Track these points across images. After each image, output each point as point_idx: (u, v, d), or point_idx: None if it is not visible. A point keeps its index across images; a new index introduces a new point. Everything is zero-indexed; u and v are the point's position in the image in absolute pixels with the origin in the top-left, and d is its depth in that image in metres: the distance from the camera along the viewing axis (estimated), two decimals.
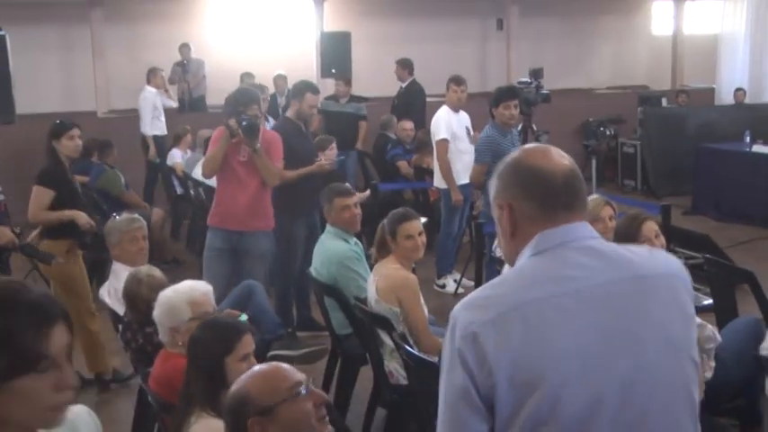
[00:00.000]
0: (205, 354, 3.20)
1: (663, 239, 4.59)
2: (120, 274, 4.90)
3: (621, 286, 1.95)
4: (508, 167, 2.07)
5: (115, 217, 5.44)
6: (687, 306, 2.05)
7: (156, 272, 4.47)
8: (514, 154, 2.12)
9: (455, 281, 8.14)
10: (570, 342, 1.86)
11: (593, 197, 5.20)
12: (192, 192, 9.24)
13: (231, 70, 12.37)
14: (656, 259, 2.08)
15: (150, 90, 11.44)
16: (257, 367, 2.58)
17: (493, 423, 1.87)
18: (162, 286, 4.22)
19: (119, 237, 5.18)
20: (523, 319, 1.86)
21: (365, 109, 11.42)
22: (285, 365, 2.55)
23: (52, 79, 13.14)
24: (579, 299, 1.91)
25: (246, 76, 11.77)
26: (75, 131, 5.93)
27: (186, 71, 12.79)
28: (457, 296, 7.92)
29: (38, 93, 12.25)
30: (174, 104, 12.41)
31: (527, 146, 2.20)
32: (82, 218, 5.77)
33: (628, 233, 4.40)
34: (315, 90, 6.86)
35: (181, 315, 3.77)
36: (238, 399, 2.45)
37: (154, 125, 11.25)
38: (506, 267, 2.43)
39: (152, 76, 11.58)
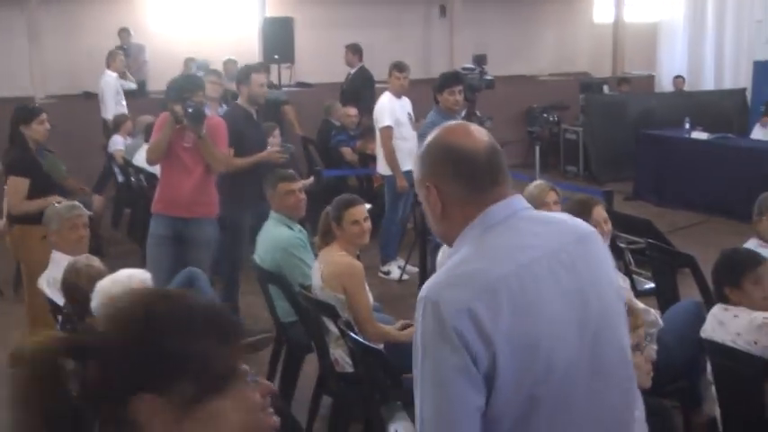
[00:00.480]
0: None
1: (610, 224, 4.68)
2: (59, 263, 4.76)
3: (574, 247, 2.10)
4: (431, 148, 2.15)
5: (55, 204, 5.29)
6: (609, 256, 2.26)
7: (95, 261, 4.35)
8: (435, 133, 2.18)
9: (399, 267, 8.12)
10: (554, 305, 1.99)
11: (538, 183, 5.24)
12: (132, 179, 9.08)
13: (173, 55, 12.22)
14: (577, 221, 2.26)
15: (111, 74, 11.23)
16: None
17: (487, 394, 1.93)
18: (101, 276, 4.12)
19: (59, 224, 5.03)
20: (509, 290, 1.95)
21: (285, 95, 11.34)
22: None
23: None
24: (548, 265, 2.02)
25: (191, 61, 11.58)
26: (44, 115, 5.84)
27: (127, 56, 12.55)
28: (401, 283, 7.91)
29: None
30: (134, 87, 12.08)
31: (446, 125, 2.24)
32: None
33: (580, 217, 4.40)
34: (258, 68, 6.84)
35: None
36: None
37: (117, 110, 11.10)
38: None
39: (111, 60, 11.34)
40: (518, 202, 2.13)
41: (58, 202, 5.28)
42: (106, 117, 11.03)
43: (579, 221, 2.24)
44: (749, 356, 3.63)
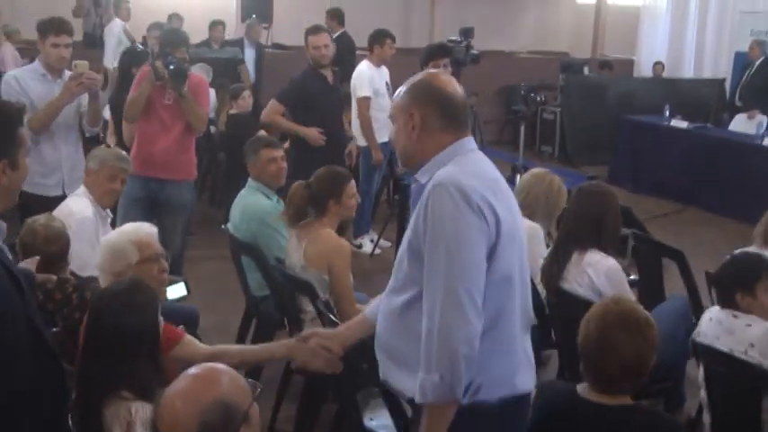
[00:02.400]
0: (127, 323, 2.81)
1: None
2: (78, 199, 4.64)
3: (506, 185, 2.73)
4: (421, 84, 2.70)
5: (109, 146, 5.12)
6: None
7: (57, 221, 4.02)
8: (423, 75, 2.76)
9: (371, 241, 7.92)
10: (510, 211, 2.61)
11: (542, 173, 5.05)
12: (100, 134, 8.76)
13: (149, 10, 11.80)
14: None
15: (117, 23, 10.85)
16: (206, 370, 2.07)
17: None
18: (60, 239, 3.88)
19: (100, 166, 4.65)
20: (500, 190, 2.60)
21: (241, 53, 11.10)
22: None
23: None
24: (506, 187, 2.68)
25: (175, 17, 11.21)
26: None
27: (98, 4, 12.12)
28: (373, 257, 7.72)
29: None
30: (135, 45, 11.60)
31: (431, 71, 2.86)
32: None
33: None
34: (312, 31, 6.87)
35: (127, 258, 3.37)
36: (222, 412, 1.96)
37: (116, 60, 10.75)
38: None
39: (118, 8, 10.93)
40: (473, 141, 2.73)
41: None
42: (106, 65, 10.62)
43: None
44: (752, 368, 3.47)
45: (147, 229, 3.55)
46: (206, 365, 2.09)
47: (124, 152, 4.99)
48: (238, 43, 11.35)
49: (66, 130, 5.37)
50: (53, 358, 2.55)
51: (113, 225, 4.88)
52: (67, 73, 5.30)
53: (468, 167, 2.59)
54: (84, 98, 5.32)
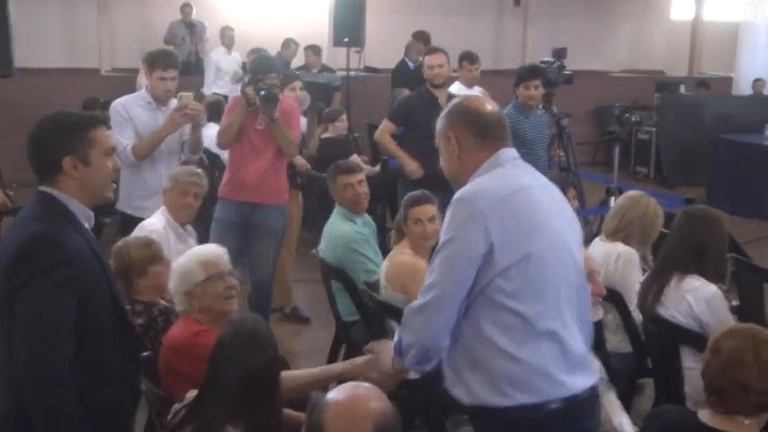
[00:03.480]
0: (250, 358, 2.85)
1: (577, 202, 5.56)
2: (158, 218, 4.86)
3: (554, 190, 2.97)
4: (454, 109, 2.91)
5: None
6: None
7: (151, 241, 4.24)
8: (458, 100, 2.99)
9: None
10: (544, 215, 2.77)
11: (642, 199, 4.93)
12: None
13: (237, 35, 12.01)
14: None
15: (218, 51, 11.24)
16: (363, 385, 2.32)
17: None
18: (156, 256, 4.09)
19: (173, 185, 4.89)
20: (525, 198, 2.76)
21: (339, 80, 11.16)
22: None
23: (54, 34, 12.63)
24: (543, 191, 2.86)
25: (292, 42, 11.69)
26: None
27: (193, 33, 12.38)
28: None
29: (39, 47, 11.87)
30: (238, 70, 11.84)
31: (466, 95, 3.23)
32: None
33: None
34: (430, 50, 7.03)
35: (194, 277, 3.51)
36: (392, 419, 2.20)
37: (216, 84, 11.20)
38: None
39: (223, 36, 11.30)
40: (513, 151, 2.90)
41: None
42: (205, 92, 10.88)
43: None
44: None
45: (214, 249, 3.68)
46: (353, 383, 2.35)
47: (196, 168, 5.14)
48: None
49: (168, 156, 5.54)
50: (129, 324, 3.00)
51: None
52: (173, 101, 5.50)
53: (486, 180, 2.79)
54: (187, 127, 5.50)
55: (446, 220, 2.74)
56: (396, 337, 2.86)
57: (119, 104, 5.53)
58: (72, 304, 2.66)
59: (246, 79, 5.81)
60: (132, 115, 5.48)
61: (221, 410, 2.78)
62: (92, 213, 2.89)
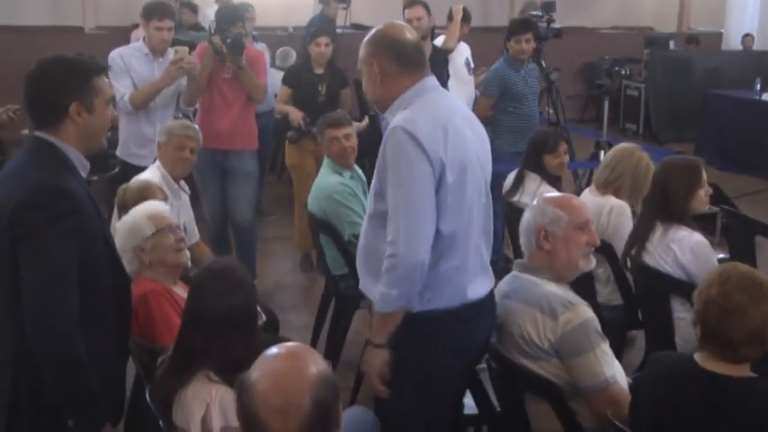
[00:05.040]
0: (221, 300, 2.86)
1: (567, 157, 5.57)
2: (153, 173, 4.78)
3: (472, 118, 3.23)
4: (376, 37, 3.07)
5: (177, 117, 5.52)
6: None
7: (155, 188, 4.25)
8: (379, 27, 3.11)
9: None
10: (466, 142, 3.03)
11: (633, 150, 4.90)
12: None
13: None
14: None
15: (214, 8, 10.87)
16: (295, 349, 2.13)
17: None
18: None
19: (167, 138, 4.85)
20: (453, 127, 2.98)
21: (201, 39, 10.86)
22: None
23: None
24: (463, 120, 3.11)
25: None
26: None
27: None
28: None
29: (20, 4, 11.67)
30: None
31: (385, 23, 3.14)
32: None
33: (546, 143, 5.46)
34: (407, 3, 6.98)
35: (143, 231, 3.53)
36: (328, 385, 2.03)
37: None
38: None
39: None
40: (434, 80, 3.12)
41: None
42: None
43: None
44: None
45: (157, 204, 3.76)
46: (287, 345, 2.13)
47: (190, 122, 5.20)
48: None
49: (163, 108, 5.72)
50: (123, 272, 3.03)
51: (194, 200, 5.03)
52: (170, 52, 5.69)
53: (422, 110, 2.98)
54: (184, 79, 5.66)
55: (388, 147, 2.93)
56: (376, 294, 2.97)
57: (116, 55, 5.67)
58: (76, 254, 2.65)
59: (212, 29, 5.91)
60: (129, 65, 5.63)
61: (197, 352, 2.81)
62: (87, 162, 2.86)
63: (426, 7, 6.82)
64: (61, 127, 2.77)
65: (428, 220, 2.90)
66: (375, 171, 3.04)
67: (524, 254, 3.36)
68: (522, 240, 3.37)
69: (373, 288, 3.01)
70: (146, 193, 4.06)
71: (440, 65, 6.80)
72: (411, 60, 3.05)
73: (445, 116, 3.00)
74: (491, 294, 3.21)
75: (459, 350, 3.11)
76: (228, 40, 5.68)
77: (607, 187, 4.81)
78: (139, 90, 5.59)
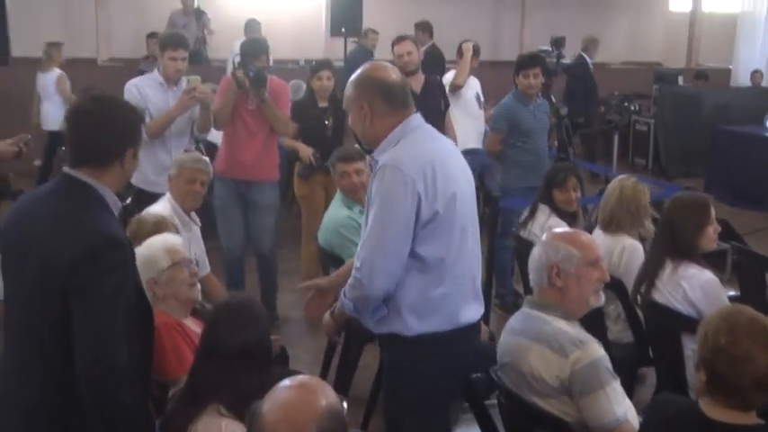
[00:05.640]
0: (237, 340, 2.86)
1: (579, 193, 5.56)
2: (164, 205, 4.81)
3: (456, 152, 3.40)
4: (363, 78, 3.25)
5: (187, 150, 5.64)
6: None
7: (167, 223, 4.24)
8: (364, 68, 3.30)
9: None
10: (453, 178, 3.17)
11: (633, 182, 4.91)
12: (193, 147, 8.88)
13: (234, 24, 11.95)
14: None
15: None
16: (307, 381, 2.19)
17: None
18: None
19: (179, 171, 4.89)
20: (440, 163, 3.13)
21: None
22: None
23: (51, 23, 12.59)
24: (448, 155, 3.26)
25: (252, 22, 11.24)
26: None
27: (199, 20, 12.32)
28: None
29: (36, 36, 11.79)
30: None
31: (370, 64, 3.36)
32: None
33: (555, 178, 5.51)
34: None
35: (159, 263, 3.52)
36: (335, 418, 2.06)
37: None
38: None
39: (247, 28, 11.03)
40: (419, 117, 3.28)
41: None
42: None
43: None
44: None
45: (173, 238, 3.78)
46: (300, 377, 2.17)
47: (202, 155, 5.25)
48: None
49: (178, 135, 5.87)
50: (152, 321, 2.96)
51: (205, 232, 5.06)
52: (184, 81, 5.80)
53: (409, 148, 3.14)
54: (198, 107, 5.78)
55: (376, 183, 3.11)
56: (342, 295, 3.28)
57: (132, 86, 5.84)
58: (125, 302, 2.63)
59: (237, 63, 5.97)
60: (144, 95, 5.78)
61: (210, 386, 2.81)
62: (119, 202, 2.83)
63: (415, 42, 6.93)
64: (108, 169, 2.72)
65: (395, 259, 3.08)
66: (366, 206, 3.24)
67: (534, 290, 3.36)
68: (532, 276, 3.36)
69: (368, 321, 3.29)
70: (161, 227, 4.07)
71: (434, 94, 6.88)
72: (398, 100, 3.22)
73: (431, 152, 3.17)
74: (480, 320, 3.40)
75: (449, 373, 3.27)
76: (251, 74, 5.76)
77: (609, 227, 4.83)
78: (154, 120, 5.73)
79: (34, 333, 2.65)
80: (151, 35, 11.03)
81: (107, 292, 2.57)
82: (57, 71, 10.00)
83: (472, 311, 3.30)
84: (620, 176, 5.06)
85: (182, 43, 5.90)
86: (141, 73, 9.40)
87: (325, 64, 6.94)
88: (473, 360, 3.40)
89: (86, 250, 2.55)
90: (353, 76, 3.30)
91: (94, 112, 2.74)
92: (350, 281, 3.17)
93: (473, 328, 3.33)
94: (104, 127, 2.72)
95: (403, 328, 3.17)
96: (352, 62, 8.52)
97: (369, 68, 3.30)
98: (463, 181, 3.26)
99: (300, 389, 2.10)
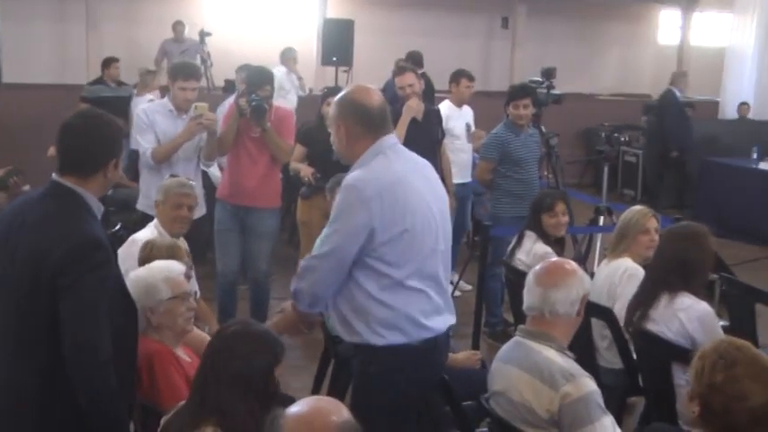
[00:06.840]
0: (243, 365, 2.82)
1: (568, 218, 5.63)
2: (151, 232, 4.78)
3: (427, 170, 3.54)
4: (344, 100, 3.41)
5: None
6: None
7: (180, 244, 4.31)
8: (347, 90, 3.48)
9: (452, 283, 7.80)
10: (418, 197, 3.33)
11: (639, 208, 4.97)
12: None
13: (228, 53, 12.01)
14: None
15: (280, 68, 10.99)
16: (326, 399, 2.30)
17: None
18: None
19: (165, 197, 4.88)
20: (405, 184, 3.29)
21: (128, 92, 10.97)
22: None
23: (43, 49, 12.62)
24: (417, 175, 3.41)
25: (288, 50, 11.46)
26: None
27: (203, 41, 12.41)
28: (453, 298, 7.57)
29: (28, 63, 11.83)
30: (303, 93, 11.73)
31: (354, 86, 3.52)
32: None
33: (543, 203, 5.59)
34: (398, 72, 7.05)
35: (159, 294, 3.48)
36: (355, 428, 2.12)
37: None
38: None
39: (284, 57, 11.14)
40: (393, 137, 3.43)
41: None
42: None
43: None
44: None
45: (176, 267, 3.68)
46: (316, 397, 2.36)
47: (186, 180, 5.22)
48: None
49: (185, 161, 5.92)
50: (135, 317, 3.17)
51: (202, 252, 5.06)
52: (192, 108, 5.88)
53: (375, 169, 3.30)
54: (205, 134, 5.83)
55: (338, 199, 3.33)
56: (292, 286, 3.42)
57: (141, 111, 6.00)
58: (108, 297, 2.89)
59: (241, 91, 6.04)
60: (153, 121, 5.88)
61: (211, 403, 2.76)
62: (102, 207, 3.05)
63: (416, 72, 6.96)
64: (92, 178, 2.97)
65: (335, 276, 3.28)
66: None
67: (527, 319, 3.36)
68: (525, 306, 3.37)
69: (337, 325, 3.44)
70: (174, 253, 4.06)
71: (433, 125, 6.93)
72: (374, 124, 3.36)
73: (394, 173, 3.31)
74: (448, 330, 3.51)
75: (418, 381, 3.42)
76: (252, 103, 5.78)
77: (614, 251, 4.87)
78: (161, 145, 5.81)
79: (24, 326, 2.89)
80: (106, 62, 11.17)
81: (92, 287, 2.83)
82: (148, 96, 10.06)
83: (440, 321, 3.41)
84: (633, 207, 5.13)
85: (193, 74, 6.02)
86: (84, 99, 9.48)
87: (335, 91, 6.99)
88: (441, 369, 3.56)
89: (74, 252, 2.82)
90: (337, 97, 3.47)
91: (81, 127, 3.00)
92: (296, 281, 3.39)
93: (440, 339, 3.43)
94: (90, 138, 2.99)
95: (372, 338, 3.30)
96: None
97: (351, 90, 3.47)
98: (431, 199, 3.39)
99: (323, 403, 2.21)
